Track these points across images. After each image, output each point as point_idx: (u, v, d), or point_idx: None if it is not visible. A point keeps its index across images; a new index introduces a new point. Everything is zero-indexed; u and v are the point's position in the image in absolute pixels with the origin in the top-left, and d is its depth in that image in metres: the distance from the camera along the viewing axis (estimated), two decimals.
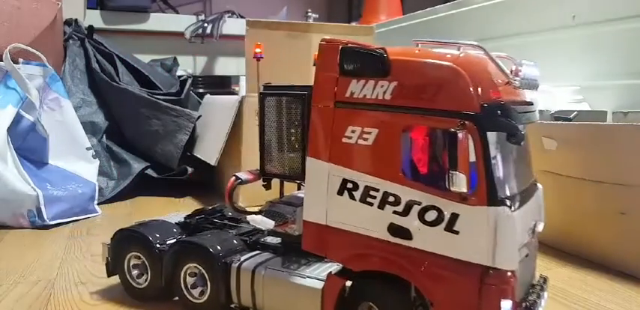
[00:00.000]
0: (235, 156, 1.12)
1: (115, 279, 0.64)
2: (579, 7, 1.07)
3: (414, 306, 0.45)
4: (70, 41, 1.38)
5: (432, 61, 0.42)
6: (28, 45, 1.10)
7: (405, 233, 0.43)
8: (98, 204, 1.10)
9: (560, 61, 1.08)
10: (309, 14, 1.82)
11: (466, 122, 0.39)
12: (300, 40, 1.19)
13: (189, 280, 0.57)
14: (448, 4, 1.48)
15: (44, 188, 1.00)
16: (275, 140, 0.55)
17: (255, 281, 0.53)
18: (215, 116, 1.25)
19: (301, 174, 0.52)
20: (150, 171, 1.27)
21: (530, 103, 0.46)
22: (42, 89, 1.09)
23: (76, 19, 1.46)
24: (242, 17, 1.93)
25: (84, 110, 1.28)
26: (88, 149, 1.15)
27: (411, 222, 0.43)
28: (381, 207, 0.44)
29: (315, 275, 0.51)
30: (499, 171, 0.41)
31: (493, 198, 0.40)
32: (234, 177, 0.57)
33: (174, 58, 1.70)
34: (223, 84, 1.84)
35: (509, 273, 0.40)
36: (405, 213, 0.43)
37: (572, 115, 0.86)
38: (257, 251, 0.57)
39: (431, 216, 0.42)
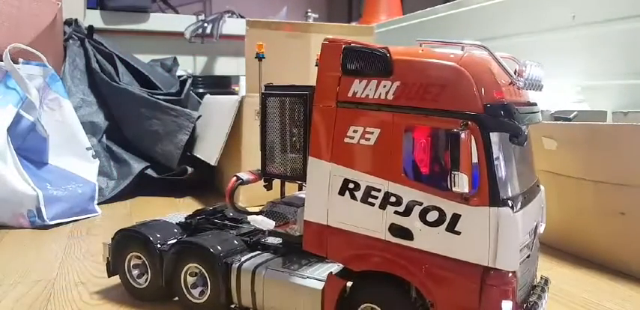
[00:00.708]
0: (235, 156, 1.12)
1: (115, 279, 0.64)
2: (579, 7, 1.07)
3: (414, 307, 0.45)
4: (70, 41, 1.38)
5: (436, 61, 0.42)
6: (28, 45, 1.09)
7: (407, 234, 0.43)
8: (98, 204, 1.10)
9: (560, 61, 1.08)
10: (309, 14, 1.82)
11: (469, 122, 0.39)
12: (300, 40, 1.19)
13: (190, 280, 0.57)
14: (448, 4, 1.48)
15: (44, 188, 1.00)
16: (276, 140, 0.54)
17: (256, 282, 0.53)
18: (215, 116, 1.25)
19: (302, 175, 0.52)
20: (150, 171, 1.26)
21: (534, 104, 0.46)
22: (42, 89, 1.08)
23: (76, 19, 1.46)
24: (242, 17, 1.93)
25: (84, 110, 1.28)
26: (88, 149, 1.15)
27: (413, 223, 0.43)
28: (382, 207, 0.44)
29: (316, 276, 0.51)
30: (501, 172, 0.41)
31: (495, 199, 0.39)
32: (235, 178, 0.57)
33: (174, 58, 1.69)
34: (223, 85, 1.83)
35: (510, 274, 0.40)
36: (407, 213, 0.43)
37: (572, 115, 0.86)
38: (258, 252, 0.57)
39: (432, 216, 0.42)
